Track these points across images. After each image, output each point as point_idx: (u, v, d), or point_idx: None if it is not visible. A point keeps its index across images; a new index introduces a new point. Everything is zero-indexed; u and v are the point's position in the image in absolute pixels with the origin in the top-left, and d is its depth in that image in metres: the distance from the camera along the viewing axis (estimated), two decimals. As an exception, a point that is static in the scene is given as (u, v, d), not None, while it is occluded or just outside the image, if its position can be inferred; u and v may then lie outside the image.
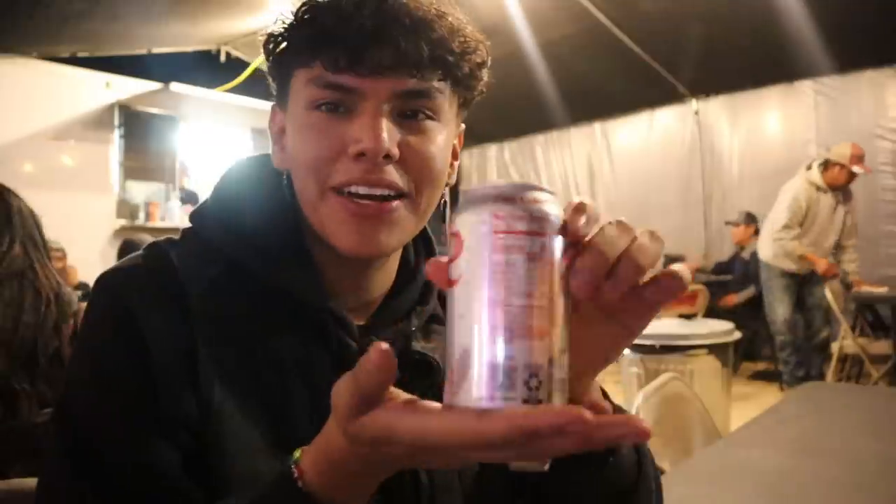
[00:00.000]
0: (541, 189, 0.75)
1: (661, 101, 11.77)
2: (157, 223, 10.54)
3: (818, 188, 8.02)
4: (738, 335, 6.40)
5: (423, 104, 1.18)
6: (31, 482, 1.52)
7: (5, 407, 2.94)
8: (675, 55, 10.24)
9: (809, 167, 8.30)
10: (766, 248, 8.44)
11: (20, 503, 1.42)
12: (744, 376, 9.35)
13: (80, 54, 9.81)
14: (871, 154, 9.46)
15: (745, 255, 10.05)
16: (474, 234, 0.72)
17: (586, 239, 0.77)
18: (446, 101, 1.21)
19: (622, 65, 10.48)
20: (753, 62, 9.93)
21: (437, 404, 0.74)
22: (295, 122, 1.21)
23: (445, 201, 1.33)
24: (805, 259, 8.07)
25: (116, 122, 10.45)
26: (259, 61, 10.37)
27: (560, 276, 0.73)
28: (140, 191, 11.15)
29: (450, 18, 1.18)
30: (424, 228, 1.36)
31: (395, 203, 1.17)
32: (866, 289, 8.11)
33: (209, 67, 11.01)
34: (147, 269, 1.19)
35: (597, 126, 12.89)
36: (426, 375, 1.27)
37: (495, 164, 14.62)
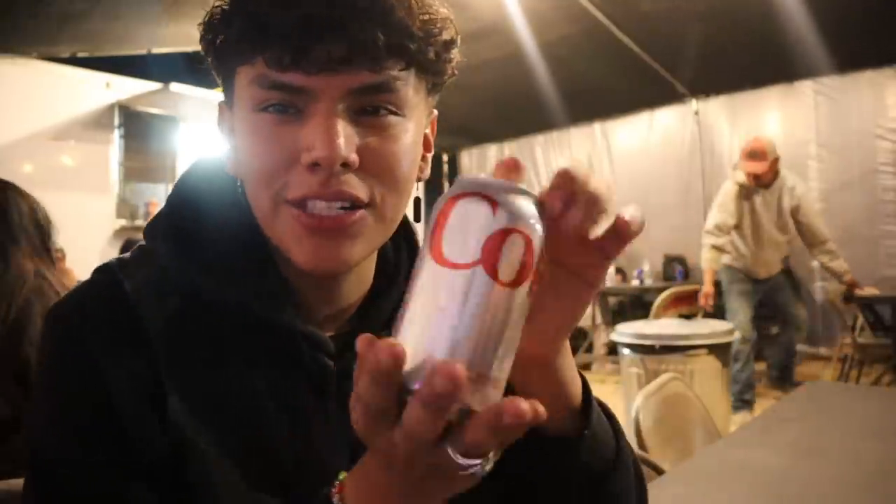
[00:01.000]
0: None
1: (660, 101, 11.76)
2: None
3: (744, 187, 7.86)
4: (738, 335, 6.40)
5: (383, 99, 1.05)
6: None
7: (12, 412, 2.93)
8: (674, 55, 10.23)
9: (735, 167, 8.25)
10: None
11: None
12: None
13: (80, 54, 9.78)
14: (871, 154, 9.50)
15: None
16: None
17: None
18: (410, 90, 1.08)
19: (622, 65, 10.47)
20: (753, 62, 9.93)
21: None
22: (241, 125, 1.10)
23: (418, 198, 1.27)
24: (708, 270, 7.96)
25: (116, 122, 10.44)
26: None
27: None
28: (140, 191, 11.14)
29: None
30: (405, 219, 1.25)
31: (358, 213, 1.06)
32: (860, 292, 8.05)
33: (209, 68, 10.98)
34: (102, 302, 1.10)
35: (597, 126, 12.89)
36: None
37: (495, 164, 14.62)
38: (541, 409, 0.66)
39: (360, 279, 1.24)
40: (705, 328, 6.46)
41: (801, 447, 2.23)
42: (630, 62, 10.28)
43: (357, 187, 1.04)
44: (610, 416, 1.14)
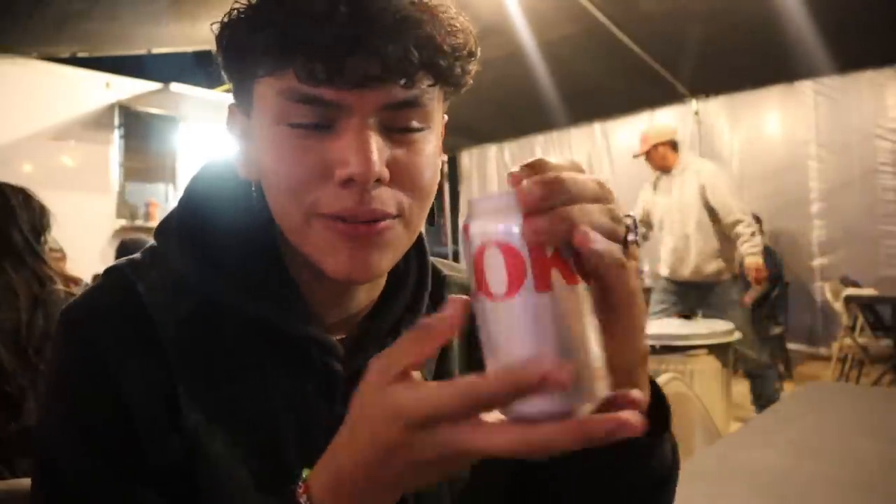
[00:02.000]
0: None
1: (661, 101, 11.74)
2: (157, 223, 10.37)
3: (652, 183, 7.73)
4: (738, 335, 6.39)
5: (412, 114, 1.05)
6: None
7: (11, 406, 2.94)
8: (675, 55, 10.23)
9: None
10: None
11: (21, 503, 1.42)
12: (744, 376, 9.35)
13: (80, 54, 9.78)
14: (871, 154, 9.50)
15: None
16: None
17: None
18: (435, 103, 1.08)
19: (622, 65, 10.47)
20: (753, 62, 9.93)
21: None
22: (264, 136, 1.07)
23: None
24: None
25: (116, 122, 10.44)
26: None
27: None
28: (140, 191, 11.15)
29: (434, 10, 1.03)
30: None
31: (388, 222, 1.06)
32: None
33: (209, 67, 10.98)
34: (115, 305, 1.09)
35: (597, 126, 12.90)
36: None
37: (495, 164, 14.63)
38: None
39: (373, 285, 1.23)
40: (705, 328, 6.44)
41: (801, 447, 2.23)
42: (630, 62, 10.27)
43: (387, 202, 1.04)
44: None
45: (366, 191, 1.01)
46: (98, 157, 10.29)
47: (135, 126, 10.79)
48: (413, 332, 0.76)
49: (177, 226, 1.18)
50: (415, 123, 1.06)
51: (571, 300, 0.72)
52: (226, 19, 1.07)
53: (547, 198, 0.72)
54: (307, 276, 1.14)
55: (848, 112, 9.87)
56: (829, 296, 8.19)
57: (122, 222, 10.32)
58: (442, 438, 0.72)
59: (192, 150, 11.29)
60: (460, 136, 13.96)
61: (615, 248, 0.77)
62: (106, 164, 10.40)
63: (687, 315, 6.81)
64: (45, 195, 3.27)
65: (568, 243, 0.73)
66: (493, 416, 0.73)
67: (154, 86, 10.30)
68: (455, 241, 14.56)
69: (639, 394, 0.76)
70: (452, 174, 15.20)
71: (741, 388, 8.23)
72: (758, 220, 9.81)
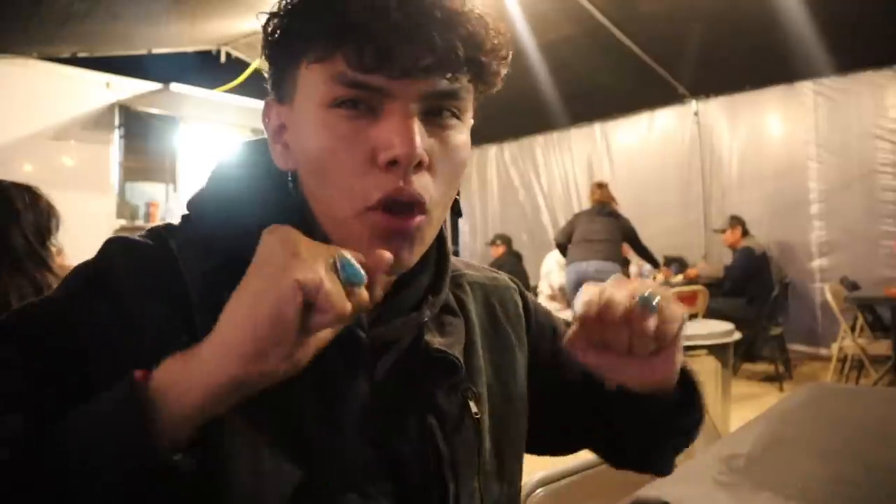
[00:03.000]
0: None
1: (660, 101, 11.80)
2: (157, 224, 10.30)
3: None
4: (737, 336, 6.38)
5: (451, 104, 1.10)
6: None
7: None
8: (674, 56, 10.25)
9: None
10: None
11: None
12: (744, 377, 9.36)
13: (81, 54, 9.79)
14: (871, 154, 9.50)
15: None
16: None
17: None
18: (470, 99, 1.14)
19: (622, 66, 10.49)
20: (753, 63, 9.95)
21: None
22: (307, 120, 1.09)
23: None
24: None
25: (116, 122, 10.42)
26: (258, 63, 10.46)
27: None
28: (140, 191, 11.13)
29: (476, 10, 1.09)
30: None
31: (418, 219, 1.08)
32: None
33: (209, 68, 11.02)
34: (149, 251, 1.12)
35: (597, 127, 12.94)
36: (447, 374, 1.23)
37: (495, 164, 14.66)
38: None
39: None
40: (704, 329, 6.44)
41: (803, 447, 2.23)
42: (630, 63, 10.30)
43: (424, 188, 1.07)
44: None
45: (407, 173, 1.04)
46: (98, 157, 10.28)
47: (135, 126, 10.78)
48: None
49: (210, 195, 1.21)
50: (451, 115, 1.11)
51: None
52: (276, 8, 1.10)
53: None
54: None
55: (848, 113, 9.87)
56: (828, 296, 8.19)
57: (122, 222, 10.29)
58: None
59: (192, 150, 11.29)
60: (461, 136, 13.95)
61: None
62: (106, 164, 10.39)
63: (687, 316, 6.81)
64: (45, 195, 3.25)
65: None
66: None
67: (154, 86, 10.28)
68: (455, 241, 14.53)
69: None
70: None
71: (741, 388, 8.24)
72: (741, 221, 9.91)
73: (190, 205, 1.22)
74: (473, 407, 1.26)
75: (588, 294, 1.16)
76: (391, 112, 1.04)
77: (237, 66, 10.90)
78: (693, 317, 6.89)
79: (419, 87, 1.04)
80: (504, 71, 1.17)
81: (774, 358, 9.10)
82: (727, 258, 10.14)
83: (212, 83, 10.36)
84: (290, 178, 1.18)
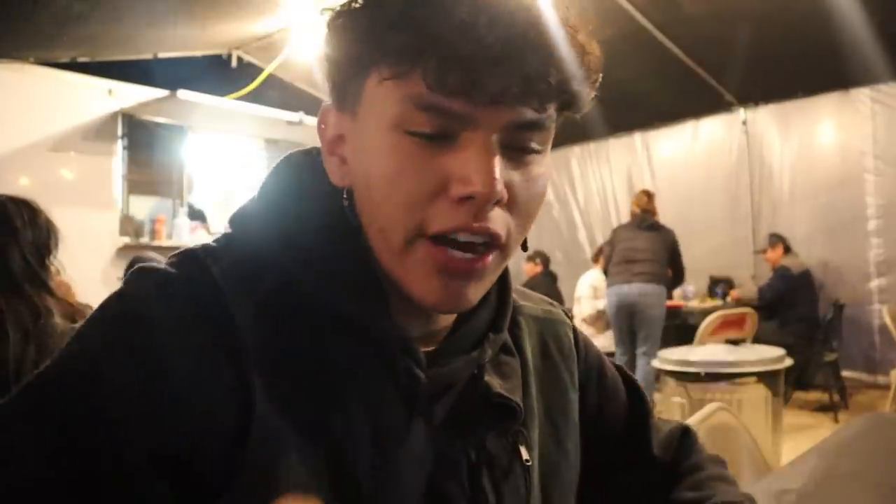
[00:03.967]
0: None
1: (706, 109, 11.77)
2: (164, 241, 10.43)
3: None
4: (789, 362, 6.36)
5: (534, 136, 1.07)
6: None
7: None
8: (721, 61, 10.22)
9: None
10: None
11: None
12: (795, 407, 9.32)
13: (81, 59, 9.81)
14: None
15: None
16: None
17: None
18: (554, 128, 1.11)
19: (665, 71, 10.48)
20: (805, 68, 9.91)
21: None
22: (373, 140, 1.05)
23: None
24: None
25: (120, 132, 10.41)
26: (273, 67, 10.51)
27: None
28: (145, 206, 11.12)
29: (572, 30, 1.07)
30: None
31: (490, 257, 1.07)
32: None
33: (219, 73, 11.05)
34: (187, 284, 1.04)
35: (637, 136, 12.95)
36: (503, 420, 1.22)
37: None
38: None
39: None
40: (754, 354, 6.42)
41: (857, 482, 2.22)
42: (673, 68, 10.28)
43: (499, 223, 1.05)
44: None
45: (483, 210, 1.02)
46: (100, 169, 10.29)
47: (140, 136, 10.77)
48: None
49: (258, 212, 1.17)
50: (534, 145, 1.08)
51: None
52: (344, 5, 1.07)
53: None
54: (395, 288, 1.12)
55: (907, 122, 9.80)
56: (887, 319, 8.15)
57: (126, 240, 10.26)
58: None
59: (201, 161, 11.30)
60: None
61: None
62: (109, 178, 10.40)
63: (735, 341, 6.79)
64: (41, 208, 3.25)
65: None
66: None
67: (160, 93, 10.26)
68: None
69: None
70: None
71: (793, 418, 8.20)
72: (783, 239, 9.95)
73: (234, 222, 1.18)
74: (524, 453, 1.24)
75: None
76: (470, 142, 1.02)
77: (250, 71, 10.93)
78: (741, 341, 6.85)
79: (504, 116, 1.01)
80: (594, 93, 1.13)
81: (828, 386, 9.06)
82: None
83: (222, 90, 10.37)
84: (344, 196, 1.14)
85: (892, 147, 9.93)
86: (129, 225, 10.55)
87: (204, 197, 11.48)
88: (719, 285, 11.04)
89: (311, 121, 9.89)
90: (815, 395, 9.58)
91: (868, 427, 2.85)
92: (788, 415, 8.03)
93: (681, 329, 9.96)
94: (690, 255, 9.19)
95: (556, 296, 11.41)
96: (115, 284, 1.12)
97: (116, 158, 10.43)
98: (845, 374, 9.86)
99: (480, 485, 1.16)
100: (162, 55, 10.55)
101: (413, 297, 1.08)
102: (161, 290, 1.02)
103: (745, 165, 11.49)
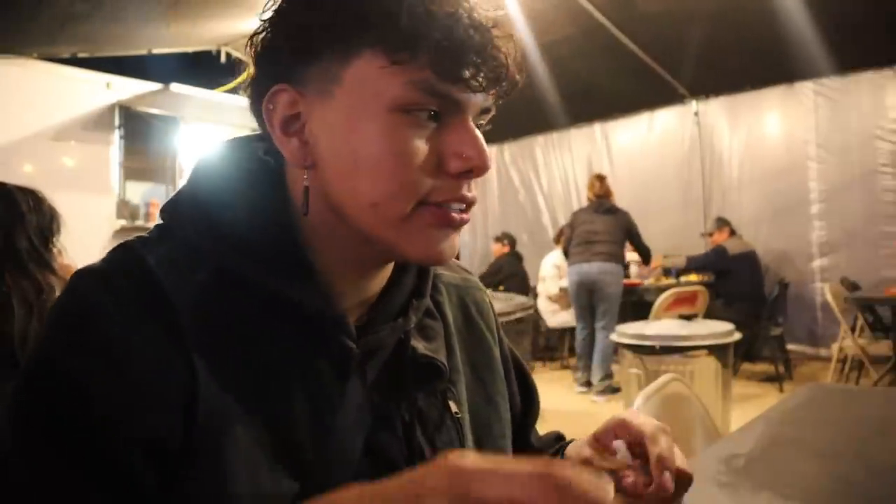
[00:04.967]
0: None
1: (661, 101, 11.81)
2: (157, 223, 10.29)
3: None
4: (738, 336, 6.38)
5: (485, 119, 1.15)
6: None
7: None
8: (674, 56, 10.25)
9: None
10: None
11: None
12: (743, 377, 9.37)
13: (81, 55, 9.78)
14: (871, 155, 9.51)
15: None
16: None
17: None
18: None
19: (622, 66, 10.50)
20: (753, 63, 9.96)
21: None
22: (366, 121, 1.03)
23: None
24: None
25: (117, 122, 10.41)
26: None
27: None
28: (140, 191, 11.14)
29: (501, 24, 1.07)
30: None
31: (468, 214, 1.14)
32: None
33: (209, 68, 11.02)
34: (126, 276, 1.03)
35: (597, 127, 12.97)
36: (430, 379, 1.24)
37: (495, 165, 14.61)
38: None
39: (387, 270, 1.25)
40: (705, 329, 6.45)
41: (805, 447, 2.23)
42: (630, 63, 10.31)
43: (474, 191, 1.13)
44: None
45: (471, 181, 1.10)
46: (98, 157, 10.27)
47: (135, 126, 10.76)
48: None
49: (187, 201, 1.15)
50: (483, 126, 1.15)
51: None
52: None
53: None
54: (327, 259, 1.15)
55: (848, 113, 9.90)
56: (829, 297, 8.18)
57: (123, 223, 10.28)
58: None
59: (192, 150, 11.28)
60: (460, 136, 13.97)
61: None
62: (106, 165, 10.38)
63: (687, 316, 6.81)
64: (45, 196, 3.25)
65: None
66: None
67: (154, 86, 10.27)
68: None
69: None
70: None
71: (741, 388, 8.24)
72: (727, 222, 10.05)
73: (164, 213, 1.16)
74: (454, 407, 1.27)
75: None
76: (460, 122, 1.07)
77: (237, 66, 10.89)
78: (693, 317, 6.87)
79: (481, 101, 1.09)
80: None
81: (774, 358, 9.11)
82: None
83: (212, 83, 10.36)
84: (305, 177, 1.12)
85: (833, 136, 9.98)
86: (125, 208, 10.55)
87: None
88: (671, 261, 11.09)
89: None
90: (761, 367, 9.63)
91: (811, 397, 2.86)
92: (737, 385, 8.06)
93: (637, 305, 10.00)
94: (646, 236, 9.19)
95: (523, 274, 11.48)
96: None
97: (113, 147, 10.42)
98: (790, 347, 9.95)
99: (415, 440, 1.18)
100: (156, 51, 10.52)
101: (411, 257, 1.12)
102: (104, 287, 1.01)
103: (696, 154, 11.54)
